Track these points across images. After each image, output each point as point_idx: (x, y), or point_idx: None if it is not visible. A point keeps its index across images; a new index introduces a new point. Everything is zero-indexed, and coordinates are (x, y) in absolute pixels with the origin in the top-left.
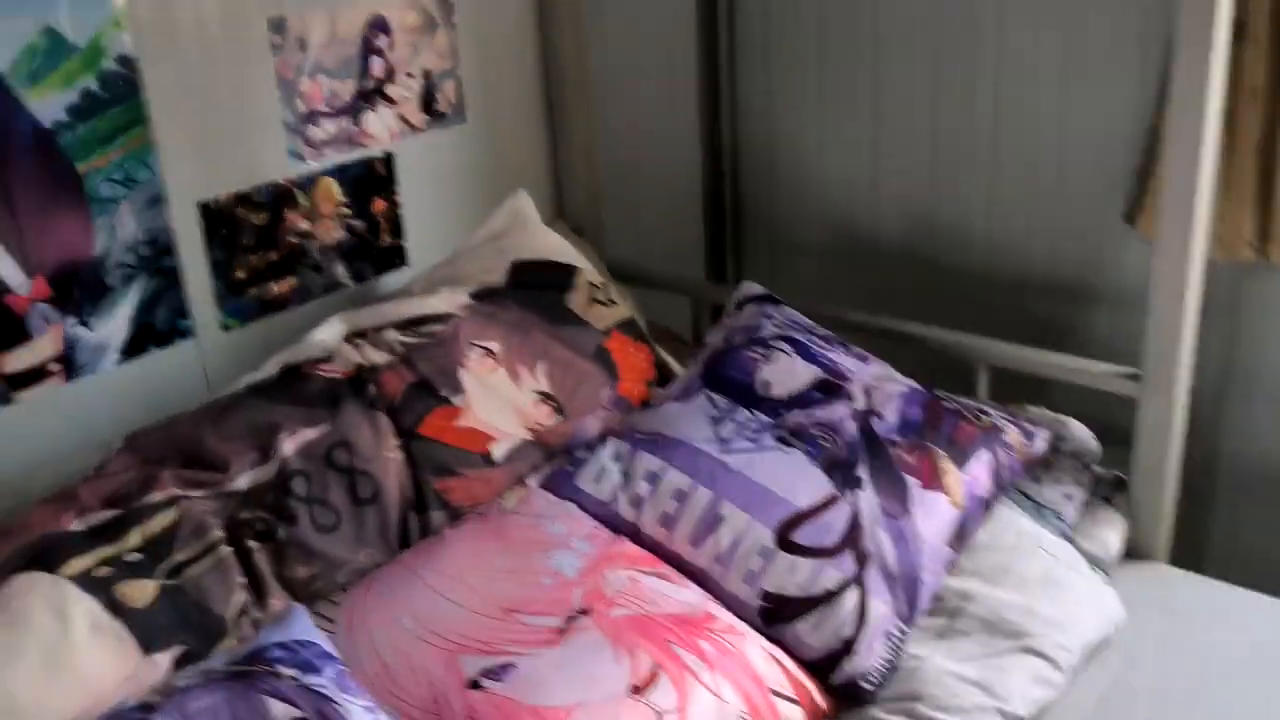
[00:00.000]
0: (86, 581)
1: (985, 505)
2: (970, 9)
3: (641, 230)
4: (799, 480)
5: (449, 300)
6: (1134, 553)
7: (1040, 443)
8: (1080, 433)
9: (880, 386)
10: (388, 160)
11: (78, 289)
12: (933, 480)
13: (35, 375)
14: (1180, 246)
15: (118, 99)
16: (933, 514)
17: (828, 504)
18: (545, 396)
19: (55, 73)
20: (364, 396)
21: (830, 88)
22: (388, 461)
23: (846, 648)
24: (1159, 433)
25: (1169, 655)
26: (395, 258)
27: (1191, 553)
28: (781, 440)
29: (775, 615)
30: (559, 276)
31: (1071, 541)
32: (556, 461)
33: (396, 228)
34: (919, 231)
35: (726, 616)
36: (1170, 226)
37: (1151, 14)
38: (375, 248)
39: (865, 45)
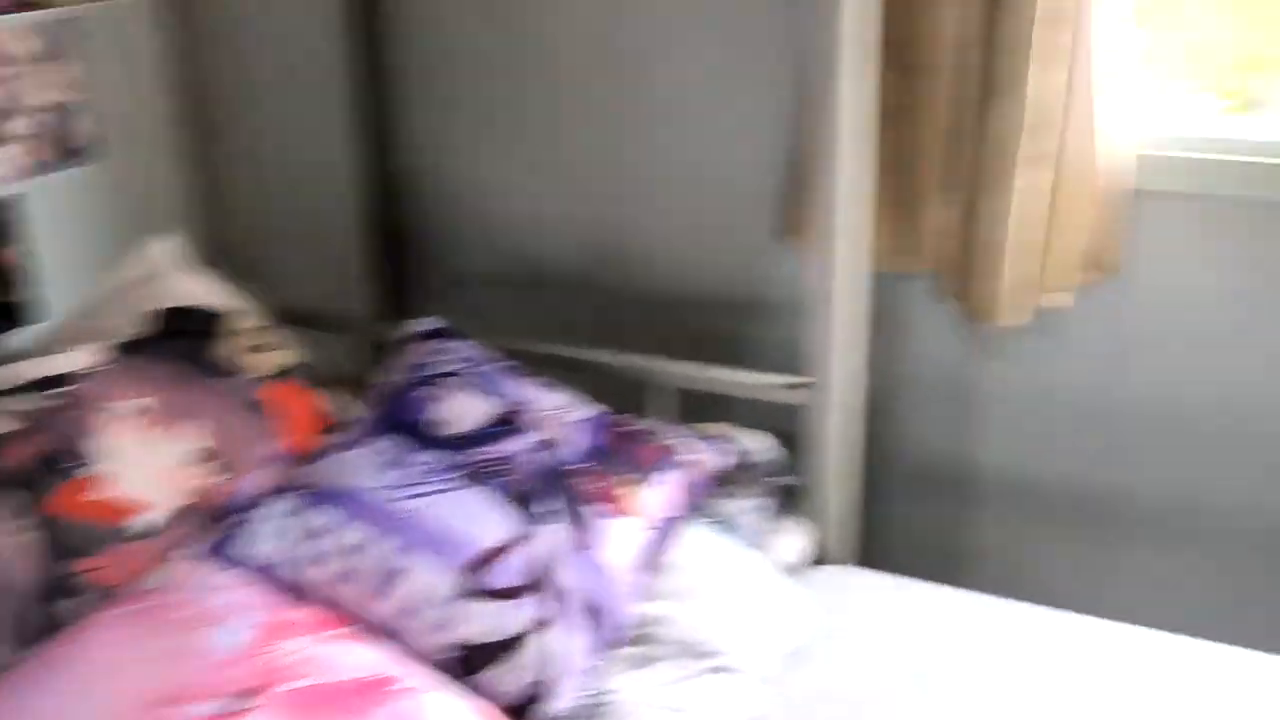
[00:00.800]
0: None
1: (674, 526)
2: (617, 42)
3: (307, 270)
4: (481, 520)
5: (86, 357)
6: (823, 557)
7: (722, 458)
8: (759, 444)
9: (560, 416)
10: (8, 206)
11: None
12: (619, 507)
13: None
14: (825, 259)
15: None
16: (621, 541)
17: (513, 543)
18: (203, 454)
19: None
20: None
21: (493, 117)
22: (13, 547)
23: (541, 690)
24: (823, 438)
25: (861, 654)
26: (30, 313)
27: (881, 552)
28: (461, 480)
29: (471, 664)
30: (207, 324)
31: (761, 551)
32: (219, 526)
33: (29, 280)
34: (588, 258)
35: (411, 674)
36: (818, 241)
37: (794, 35)
38: (2, 304)
39: (530, 76)
